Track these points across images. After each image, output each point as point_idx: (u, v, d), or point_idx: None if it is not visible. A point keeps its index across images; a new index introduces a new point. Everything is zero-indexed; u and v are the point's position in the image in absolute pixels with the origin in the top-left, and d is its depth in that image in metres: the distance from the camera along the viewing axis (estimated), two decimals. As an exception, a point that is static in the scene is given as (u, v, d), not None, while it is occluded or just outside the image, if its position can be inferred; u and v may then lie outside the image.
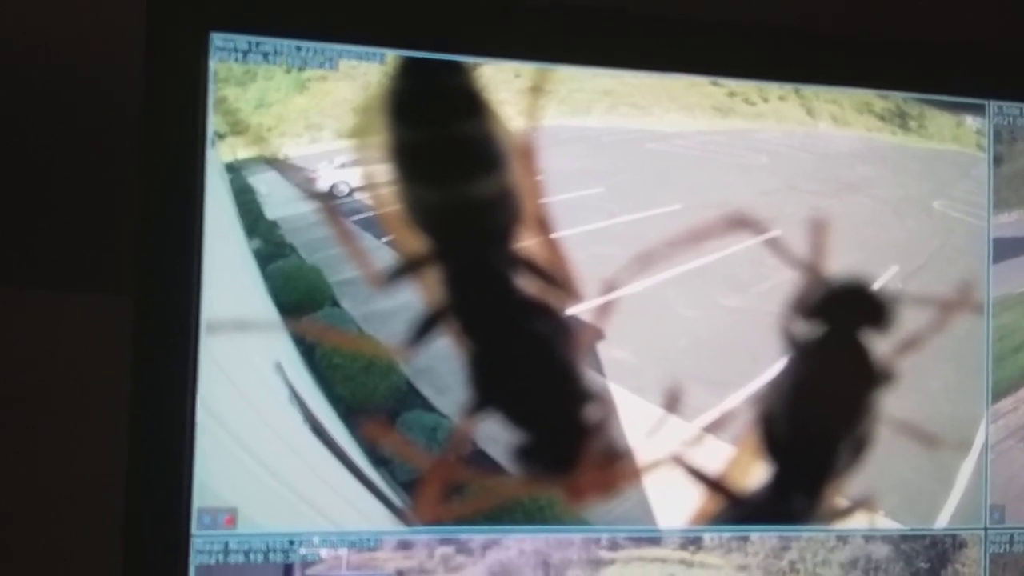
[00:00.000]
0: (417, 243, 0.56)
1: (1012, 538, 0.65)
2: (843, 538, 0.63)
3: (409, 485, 0.57)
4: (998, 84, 0.66)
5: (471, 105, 0.57)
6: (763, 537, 0.62)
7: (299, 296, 0.56)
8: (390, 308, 0.56)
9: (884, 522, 0.63)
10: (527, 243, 0.57)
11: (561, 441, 0.58)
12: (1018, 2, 0.75)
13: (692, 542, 0.61)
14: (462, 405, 0.57)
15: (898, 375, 0.62)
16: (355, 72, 0.57)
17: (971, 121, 0.65)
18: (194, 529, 0.55)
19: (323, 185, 0.57)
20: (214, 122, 0.55)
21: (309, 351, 0.56)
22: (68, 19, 0.64)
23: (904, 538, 0.63)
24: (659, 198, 0.60)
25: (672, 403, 0.60)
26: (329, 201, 0.57)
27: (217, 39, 0.56)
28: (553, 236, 0.58)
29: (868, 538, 0.63)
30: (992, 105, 0.66)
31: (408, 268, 0.56)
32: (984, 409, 0.65)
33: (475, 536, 0.58)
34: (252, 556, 0.56)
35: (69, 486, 0.63)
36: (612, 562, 0.60)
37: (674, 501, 0.60)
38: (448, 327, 0.56)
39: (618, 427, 0.59)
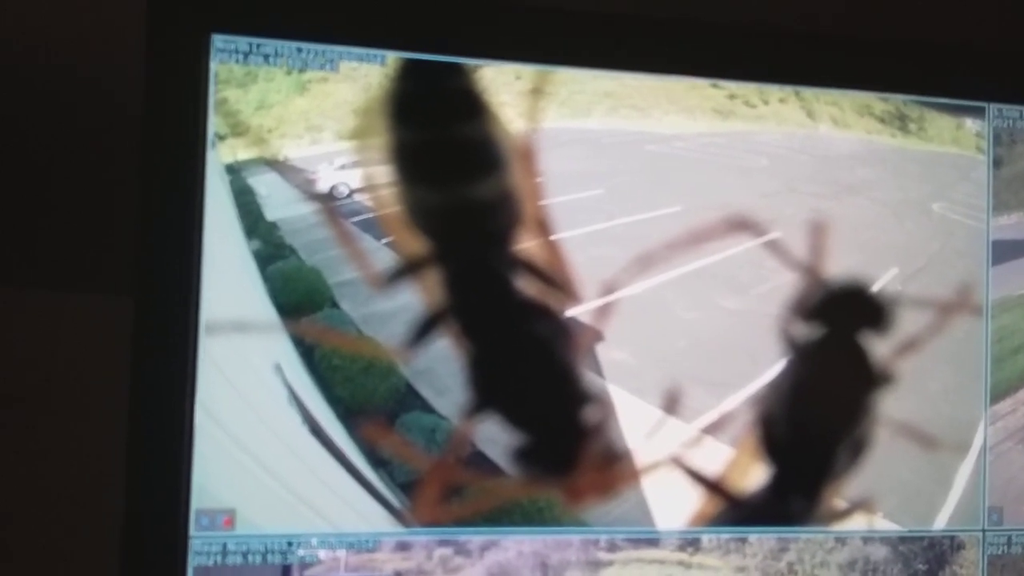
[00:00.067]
0: (417, 245, 0.56)
1: (1010, 539, 0.65)
2: (842, 539, 0.63)
3: (408, 486, 0.57)
4: (998, 87, 0.66)
5: (471, 107, 0.57)
6: (761, 538, 0.62)
7: (299, 297, 0.56)
8: (390, 310, 0.57)
9: (882, 523, 0.63)
10: (527, 245, 0.57)
11: (560, 443, 0.58)
12: (1018, 4, 0.75)
13: (690, 543, 0.61)
14: (461, 406, 0.57)
15: (897, 377, 0.62)
16: (356, 74, 0.57)
17: (971, 124, 0.65)
18: (192, 530, 0.55)
19: (323, 186, 0.57)
20: (214, 123, 0.55)
21: (308, 352, 0.56)
22: (68, 19, 0.64)
23: (902, 539, 0.63)
24: (659, 200, 0.60)
25: (671, 405, 0.60)
26: (329, 202, 0.57)
27: (218, 40, 0.56)
28: (553, 238, 0.58)
29: (867, 539, 0.63)
30: (992, 108, 0.66)
31: (408, 270, 0.56)
32: (983, 411, 0.65)
33: (474, 537, 0.58)
34: (250, 557, 0.56)
35: (69, 486, 0.63)
36: (611, 563, 0.60)
37: (673, 502, 0.60)
38: (447, 329, 0.56)
39: (617, 429, 0.59)
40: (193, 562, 0.55)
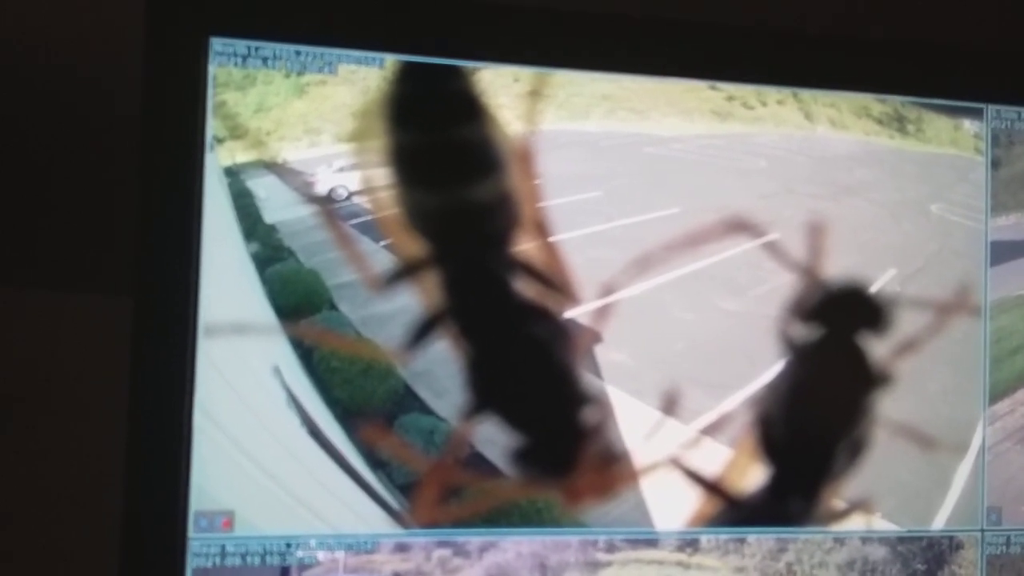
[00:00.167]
0: (415, 247, 0.56)
1: (1009, 540, 0.65)
2: (840, 540, 0.63)
3: (407, 488, 0.57)
4: (996, 88, 0.66)
5: (470, 109, 0.57)
6: (760, 539, 0.62)
7: (297, 299, 0.56)
8: (388, 312, 0.57)
9: (881, 524, 0.63)
10: (525, 247, 0.57)
11: (559, 444, 0.58)
12: (1016, 5, 0.75)
13: (689, 544, 0.61)
14: (460, 408, 0.57)
15: (895, 378, 0.62)
16: (354, 76, 0.57)
17: (969, 125, 0.65)
18: (191, 532, 0.55)
19: (322, 189, 0.57)
20: (213, 126, 0.55)
21: (307, 354, 0.56)
22: (68, 20, 0.64)
23: (901, 540, 0.63)
24: (657, 202, 0.61)
25: (670, 406, 0.60)
26: (328, 205, 0.57)
27: (217, 43, 0.56)
28: (551, 240, 0.58)
29: (865, 540, 0.63)
30: (990, 109, 0.66)
31: (406, 272, 0.56)
32: (981, 411, 0.65)
33: (472, 538, 0.58)
34: (249, 559, 0.56)
35: (68, 486, 0.63)
36: (609, 564, 0.60)
37: (671, 503, 0.60)
38: (446, 330, 0.57)
39: (616, 430, 0.59)
40: (192, 564, 0.55)
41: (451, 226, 0.56)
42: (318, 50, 0.57)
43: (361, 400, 0.57)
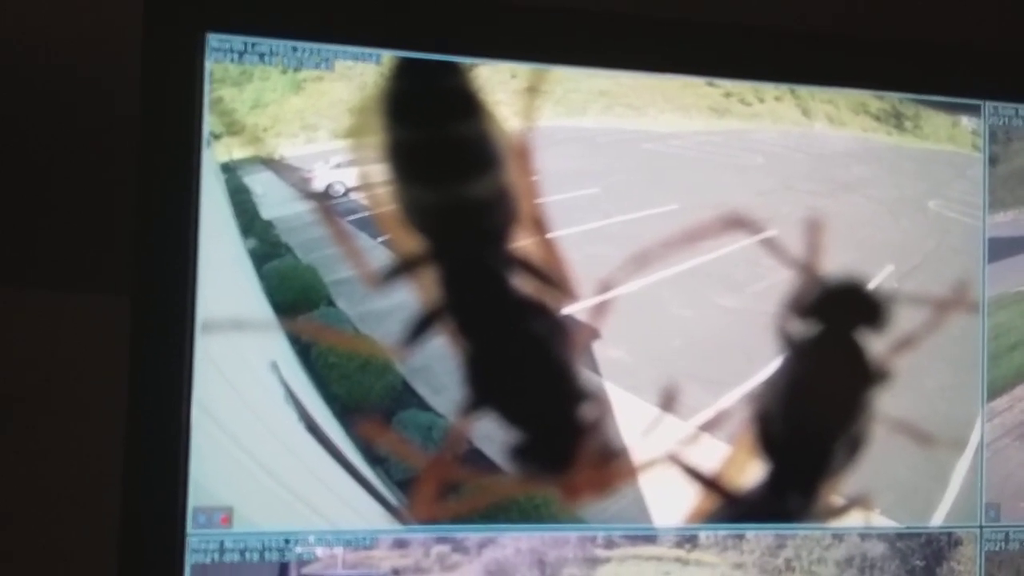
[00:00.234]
0: (413, 243, 0.56)
1: (1007, 536, 0.65)
2: (839, 536, 0.63)
3: (405, 484, 0.57)
4: (994, 85, 0.66)
5: (467, 105, 0.57)
6: (759, 535, 0.62)
7: (295, 296, 0.56)
8: (386, 308, 0.57)
9: (880, 520, 0.63)
10: (523, 243, 0.57)
11: (557, 440, 0.58)
12: (1014, 3, 0.75)
13: (688, 540, 0.61)
14: (458, 404, 0.57)
15: (894, 374, 0.62)
16: (351, 72, 0.57)
17: (967, 121, 0.65)
18: (190, 528, 0.55)
19: (319, 185, 0.57)
20: (210, 122, 0.56)
21: (305, 350, 0.56)
22: (68, 19, 0.65)
23: (900, 536, 0.63)
24: (655, 198, 0.61)
25: (668, 402, 0.60)
26: (325, 201, 0.57)
27: (213, 40, 0.56)
28: (549, 236, 0.58)
29: (864, 536, 0.63)
30: (988, 106, 0.66)
31: (404, 268, 0.56)
32: (979, 408, 0.65)
33: (471, 535, 0.58)
34: (248, 555, 0.56)
35: (68, 485, 0.63)
36: (608, 560, 0.60)
37: (670, 499, 0.60)
38: (444, 326, 0.57)
39: (614, 426, 0.59)
40: (190, 560, 0.55)
41: (449, 222, 0.56)
42: (315, 46, 0.57)
43: (359, 396, 0.57)
